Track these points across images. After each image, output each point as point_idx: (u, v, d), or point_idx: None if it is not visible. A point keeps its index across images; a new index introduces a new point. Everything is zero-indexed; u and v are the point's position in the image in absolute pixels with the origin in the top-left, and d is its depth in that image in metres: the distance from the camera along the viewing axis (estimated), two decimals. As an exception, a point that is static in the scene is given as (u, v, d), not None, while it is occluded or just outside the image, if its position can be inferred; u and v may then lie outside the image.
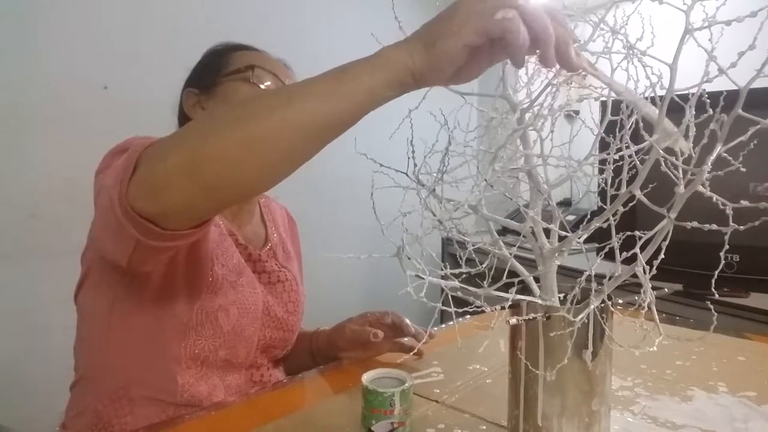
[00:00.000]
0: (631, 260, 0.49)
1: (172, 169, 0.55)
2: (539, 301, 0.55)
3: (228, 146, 0.53)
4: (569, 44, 0.48)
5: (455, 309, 0.52)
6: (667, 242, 0.49)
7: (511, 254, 0.57)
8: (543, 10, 0.48)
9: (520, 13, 0.47)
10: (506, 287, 0.54)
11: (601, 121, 0.57)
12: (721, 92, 0.48)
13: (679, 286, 1.48)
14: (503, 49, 0.50)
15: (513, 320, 0.54)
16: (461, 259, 0.59)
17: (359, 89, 0.52)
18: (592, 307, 0.51)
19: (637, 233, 0.49)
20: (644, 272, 0.49)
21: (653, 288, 0.50)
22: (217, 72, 0.91)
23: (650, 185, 0.49)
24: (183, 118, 0.94)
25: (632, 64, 0.51)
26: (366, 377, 0.65)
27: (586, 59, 0.50)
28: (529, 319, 0.54)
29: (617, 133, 0.51)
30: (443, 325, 1.14)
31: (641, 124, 0.51)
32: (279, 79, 0.90)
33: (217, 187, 0.56)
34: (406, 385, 0.64)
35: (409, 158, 0.61)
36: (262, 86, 0.89)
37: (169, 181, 0.56)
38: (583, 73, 0.51)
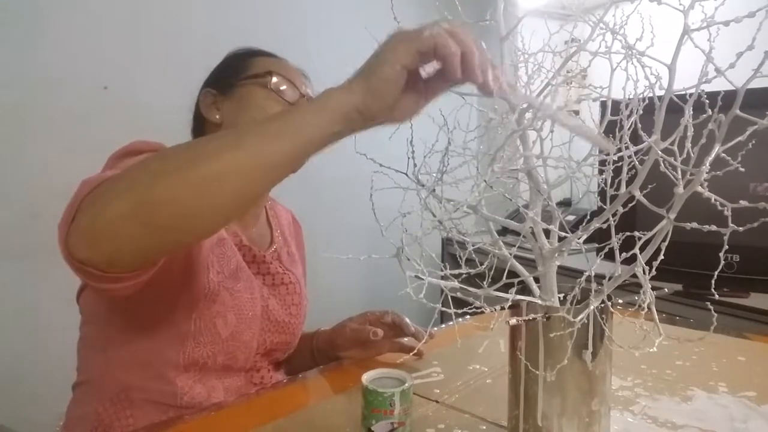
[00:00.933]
0: (630, 260, 0.49)
1: (118, 214, 0.53)
2: (539, 302, 0.55)
3: (179, 188, 0.53)
4: (488, 68, 0.52)
5: (455, 310, 0.52)
6: (666, 242, 0.49)
7: (510, 254, 0.57)
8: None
9: (446, 32, 0.51)
10: (506, 287, 0.54)
11: (601, 121, 0.57)
12: (719, 92, 0.48)
13: (679, 286, 1.48)
14: (439, 76, 0.53)
15: (513, 321, 0.54)
16: (461, 259, 0.59)
17: (306, 128, 0.54)
18: (591, 307, 0.51)
19: (636, 234, 0.49)
20: (644, 272, 0.49)
21: (653, 288, 0.50)
22: (236, 75, 0.91)
23: (650, 186, 0.49)
24: (199, 117, 0.95)
25: (631, 64, 0.51)
26: (366, 377, 0.65)
27: (507, 85, 0.53)
28: (528, 319, 0.54)
29: (617, 134, 0.52)
30: (443, 326, 1.14)
31: (640, 125, 0.51)
32: (295, 86, 0.91)
33: (167, 230, 0.55)
34: (406, 385, 0.64)
35: (409, 158, 0.61)
36: (280, 87, 0.89)
37: (114, 228, 0.53)
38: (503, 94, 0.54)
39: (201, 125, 0.95)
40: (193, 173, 0.53)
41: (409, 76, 0.53)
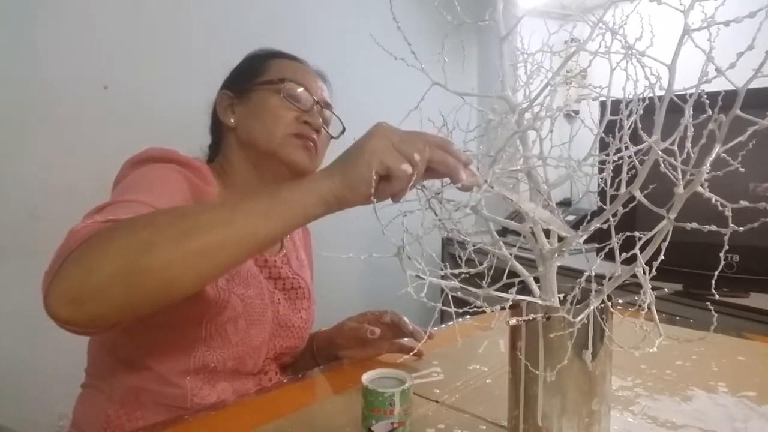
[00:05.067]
0: (630, 261, 0.49)
1: (106, 279, 0.54)
2: (539, 302, 0.55)
3: (170, 259, 0.55)
4: (460, 170, 0.58)
5: (455, 309, 0.52)
6: (666, 243, 0.49)
7: (511, 254, 0.57)
8: (434, 142, 0.59)
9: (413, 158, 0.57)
10: (506, 287, 0.55)
11: (601, 121, 0.57)
12: (719, 92, 0.48)
13: (679, 286, 1.48)
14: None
15: (513, 321, 0.54)
16: (461, 259, 0.59)
17: (293, 209, 0.60)
18: (592, 307, 0.51)
19: (636, 234, 0.49)
20: (644, 273, 0.49)
21: (653, 288, 0.50)
22: (252, 78, 0.91)
23: (650, 186, 0.49)
24: (215, 119, 0.95)
25: (631, 64, 0.51)
26: (366, 377, 0.65)
27: (480, 177, 0.59)
28: (528, 319, 0.54)
29: (616, 134, 0.52)
30: (443, 325, 1.14)
31: (640, 125, 0.51)
32: (309, 93, 0.90)
33: (153, 296, 0.57)
34: (406, 385, 0.64)
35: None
36: (294, 94, 0.89)
37: (100, 294, 0.54)
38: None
39: (218, 126, 0.95)
40: (186, 247, 0.55)
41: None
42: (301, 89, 0.89)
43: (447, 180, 0.59)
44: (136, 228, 0.57)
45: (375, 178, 0.57)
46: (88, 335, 0.60)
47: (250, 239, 0.58)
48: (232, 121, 0.91)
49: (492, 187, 0.57)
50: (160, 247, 0.55)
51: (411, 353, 0.90)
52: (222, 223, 0.57)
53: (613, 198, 0.51)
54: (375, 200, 0.59)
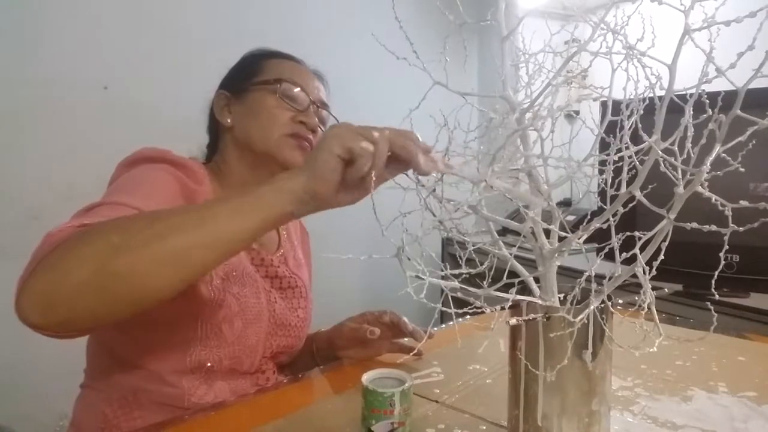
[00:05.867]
0: (631, 261, 0.49)
1: (77, 284, 0.54)
2: (539, 302, 0.55)
3: (141, 263, 0.54)
4: (419, 154, 0.58)
5: (455, 310, 0.52)
6: (666, 242, 0.49)
7: (511, 254, 0.57)
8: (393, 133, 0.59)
9: (375, 141, 0.58)
10: (506, 287, 0.54)
11: (601, 122, 0.57)
12: (719, 92, 0.48)
13: (679, 286, 1.48)
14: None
15: (513, 321, 0.54)
16: (461, 259, 0.59)
17: (264, 208, 0.59)
18: (592, 307, 0.51)
19: (636, 234, 0.49)
20: (644, 273, 0.49)
21: (653, 288, 0.50)
22: (248, 78, 0.91)
23: (650, 186, 0.49)
24: (212, 118, 0.95)
25: (632, 64, 0.51)
26: (366, 377, 0.65)
27: (439, 161, 0.59)
28: (528, 319, 0.54)
29: (617, 134, 0.52)
30: (443, 326, 1.14)
31: (640, 125, 0.51)
32: (306, 93, 0.90)
33: (123, 301, 0.56)
34: (406, 385, 0.64)
35: (409, 158, 0.61)
36: (290, 94, 0.89)
37: (72, 297, 0.54)
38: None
39: (214, 126, 0.95)
40: (156, 249, 0.55)
41: (345, 166, 0.59)
42: (297, 89, 0.90)
43: (445, 177, 0.59)
44: (107, 232, 0.57)
45: (339, 160, 0.58)
46: (62, 338, 0.59)
47: (219, 241, 0.58)
48: (228, 121, 0.91)
49: (492, 187, 0.57)
50: (130, 252, 0.54)
51: (411, 353, 0.90)
52: (191, 225, 0.57)
53: (614, 198, 0.51)
54: (360, 193, 0.59)
